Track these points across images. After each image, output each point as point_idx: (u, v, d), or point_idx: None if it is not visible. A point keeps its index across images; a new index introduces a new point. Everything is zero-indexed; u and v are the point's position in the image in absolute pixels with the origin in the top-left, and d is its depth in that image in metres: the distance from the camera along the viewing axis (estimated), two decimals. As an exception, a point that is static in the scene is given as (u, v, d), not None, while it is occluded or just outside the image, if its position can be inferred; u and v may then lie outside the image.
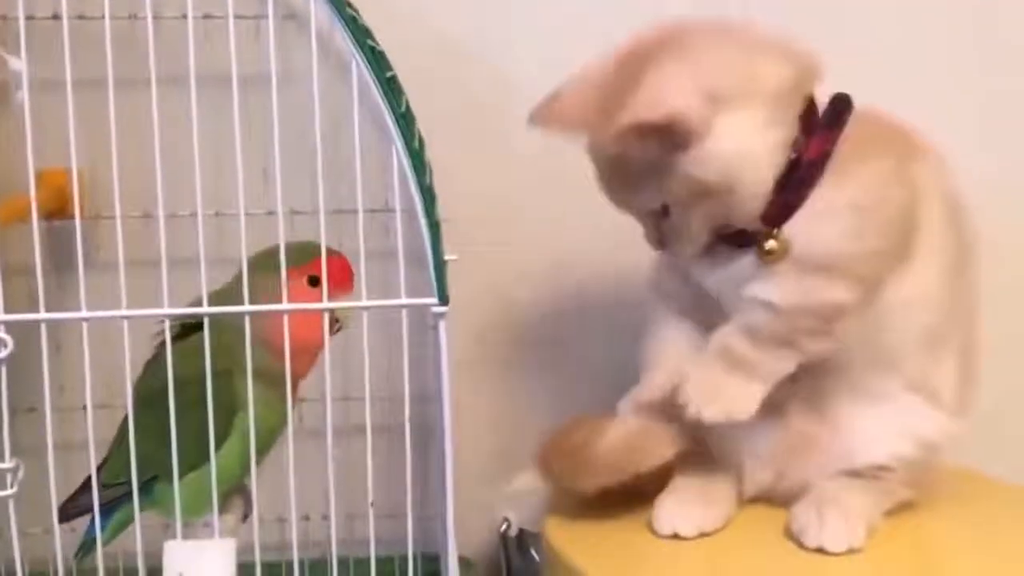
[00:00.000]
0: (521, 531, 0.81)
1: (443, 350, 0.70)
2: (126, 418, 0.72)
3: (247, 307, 0.68)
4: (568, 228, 0.94)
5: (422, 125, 0.77)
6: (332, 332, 0.72)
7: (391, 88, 0.70)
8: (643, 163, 0.69)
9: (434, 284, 0.70)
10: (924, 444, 0.75)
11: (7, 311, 0.66)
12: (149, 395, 0.70)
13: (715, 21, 0.72)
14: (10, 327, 0.65)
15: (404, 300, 0.70)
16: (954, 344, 0.76)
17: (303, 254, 0.71)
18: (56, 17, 0.79)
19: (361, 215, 0.70)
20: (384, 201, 0.83)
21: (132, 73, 0.67)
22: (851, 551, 0.72)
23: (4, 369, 0.65)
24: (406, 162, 0.70)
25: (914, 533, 0.76)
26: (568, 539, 0.76)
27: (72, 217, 0.72)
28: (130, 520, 0.73)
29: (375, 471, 0.71)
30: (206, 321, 0.69)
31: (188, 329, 0.71)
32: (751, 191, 0.69)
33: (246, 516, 0.78)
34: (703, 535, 0.75)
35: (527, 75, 0.94)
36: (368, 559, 0.72)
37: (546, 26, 0.95)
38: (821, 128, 0.70)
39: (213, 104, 0.69)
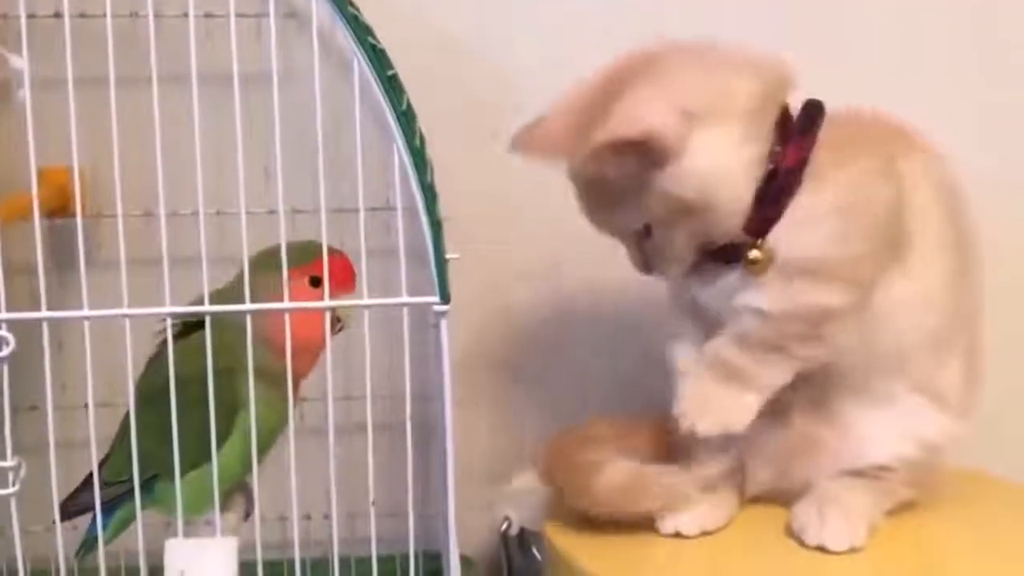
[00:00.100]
0: (522, 530, 0.81)
1: (444, 349, 0.70)
2: (127, 416, 0.72)
3: (248, 305, 0.68)
4: (569, 227, 0.94)
5: (423, 123, 0.77)
6: (334, 332, 0.72)
7: (392, 86, 0.70)
8: (622, 183, 0.70)
9: (435, 283, 0.69)
10: (928, 446, 0.75)
11: (9, 309, 0.65)
12: (150, 393, 0.70)
13: (688, 42, 0.73)
14: (12, 325, 0.65)
15: (405, 299, 0.70)
16: (959, 345, 0.76)
17: (305, 254, 0.71)
18: (58, 15, 0.79)
19: (362, 213, 0.70)
20: (385, 199, 0.83)
21: (133, 71, 0.67)
22: (852, 550, 0.72)
23: (6, 367, 0.65)
24: (407, 160, 0.69)
25: (915, 532, 0.76)
26: (569, 538, 0.76)
27: (73, 215, 0.72)
28: (131, 518, 0.73)
29: (376, 470, 0.71)
30: (207, 320, 0.69)
31: (190, 328, 0.71)
32: (730, 206, 0.69)
33: (248, 515, 0.78)
34: (705, 534, 0.75)
35: (528, 73, 0.94)
36: (369, 558, 0.72)
37: (547, 24, 0.95)
38: (795, 136, 0.70)
39: (214, 102, 0.69)
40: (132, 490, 0.68)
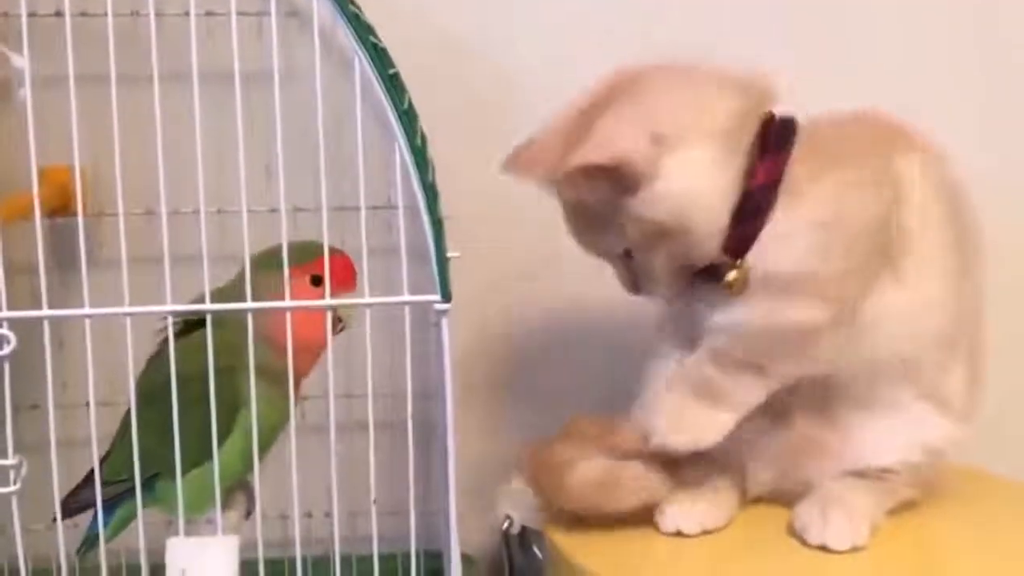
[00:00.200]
0: (523, 528, 0.81)
1: (445, 347, 0.70)
2: (126, 415, 0.72)
3: (250, 304, 0.68)
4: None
5: (424, 122, 0.77)
6: (335, 332, 0.73)
7: (394, 85, 0.70)
8: (600, 207, 0.70)
9: (437, 281, 0.69)
10: (932, 451, 0.75)
11: (10, 308, 0.66)
12: (151, 391, 0.70)
13: (669, 62, 0.72)
14: (13, 324, 0.65)
15: (407, 297, 0.70)
16: (962, 348, 0.76)
17: (306, 253, 0.71)
18: (59, 14, 0.79)
19: (363, 212, 0.70)
20: (387, 198, 0.83)
21: (135, 70, 0.67)
22: (854, 549, 0.71)
23: (7, 366, 0.65)
24: (409, 159, 0.69)
25: (917, 531, 0.76)
26: (570, 536, 0.76)
27: (75, 214, 0.72)
28: (132, 517, 0.73)
29: (378, 468, 0.71)
30: (208, 318, 0.69)
31: (191, 326, 0.71)
32: (706, 228, 0.69)
33: (249, 513, 0.78)
34: (706, 532, 0.75)
35: (529, 72, 0.94)
36: (371, 556, 0.72)
37: (548, 23, 0.95)
38: (768, 154, 0.70)
39: (215, 101, 0.69)
40: (132, 489, 0.68)
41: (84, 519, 0.75)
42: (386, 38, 0.75)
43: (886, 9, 0.97)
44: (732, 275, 0.70)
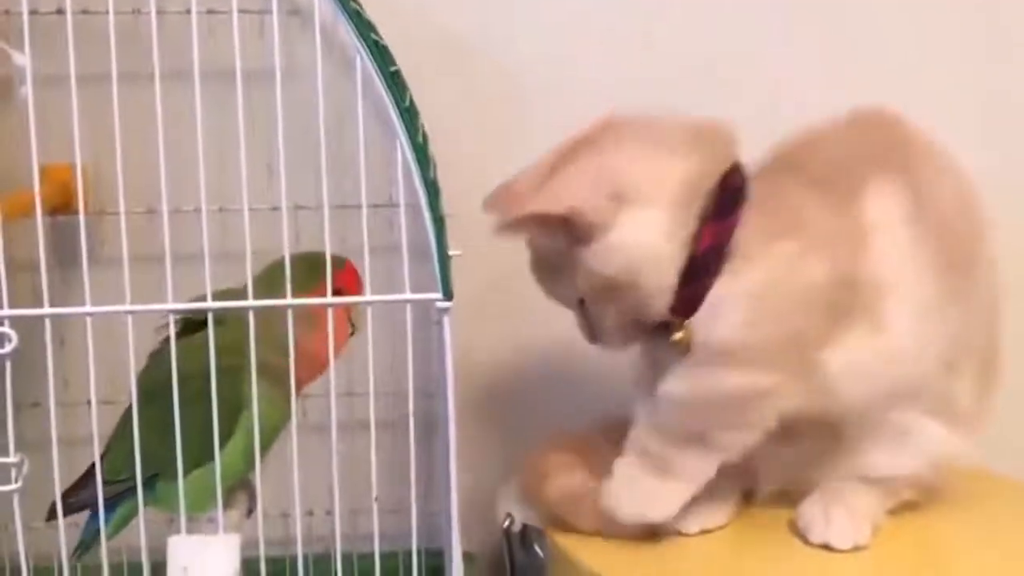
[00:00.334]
0: (524, 526, 0.81)
1: (447, 345, 0.70)
2: (125, 413, 0.72)
3: (251, 302, 0.68)
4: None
5: (426, 120, 0.77)
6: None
7: (395, 83, 0.70)
8: (557, 255, 0.72)
9: (438, 279, 0.69)
10: (940, 462, 0.75)
11: (11, 306, 0.66)
12: (152, 391, 0.70)
13: (640, 117, 0.73)
14: (14, 322, 0.65)
15: (408, 295, 0.70)
16: (970, 364, 0.75)
17: (313, 271, 0.70)
18: (60, 12, 0.79)
19: (365, 210, 0.70)
20: (388, 196, 0.83)
21: (136, 68, 0.67)
22: (856, 548, 0.71)
23: (8, 364, 0.65)
24: (410, 157, 0.69)
25: (919, 531, 0.76)
26: (572, 534, 0.76)
27: (76, 212, 0.72)
28: (131, 517, 0.73)
29: (379, 466, 0.71)
30: (210, 317, 0.68)
31: (194, 327, 0.71)
32: (654, 286, 0.70)
33: (250, 511, 0.78)
34: (705, 532, 0.75)
35: (531, 70, 0.94)
36: (372, 554, 0.72)
37: (549, 22, 0.95)
38: (715, 219, 0.70)
39: (217, 99, 0.69)
40: (131, 488, 0.68)
41: (83, 518, 0.75)
42: (387, 35, 0.75)
43: (887, 8, 0.97)
44: (678, 335, 0.71)
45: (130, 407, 0.69)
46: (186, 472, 0.69)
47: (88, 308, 0.67)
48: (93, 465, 0.71)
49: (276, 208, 0.72)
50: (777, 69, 0.96)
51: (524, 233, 0.73)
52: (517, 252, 0.92)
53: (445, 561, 0.75)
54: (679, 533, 0.74)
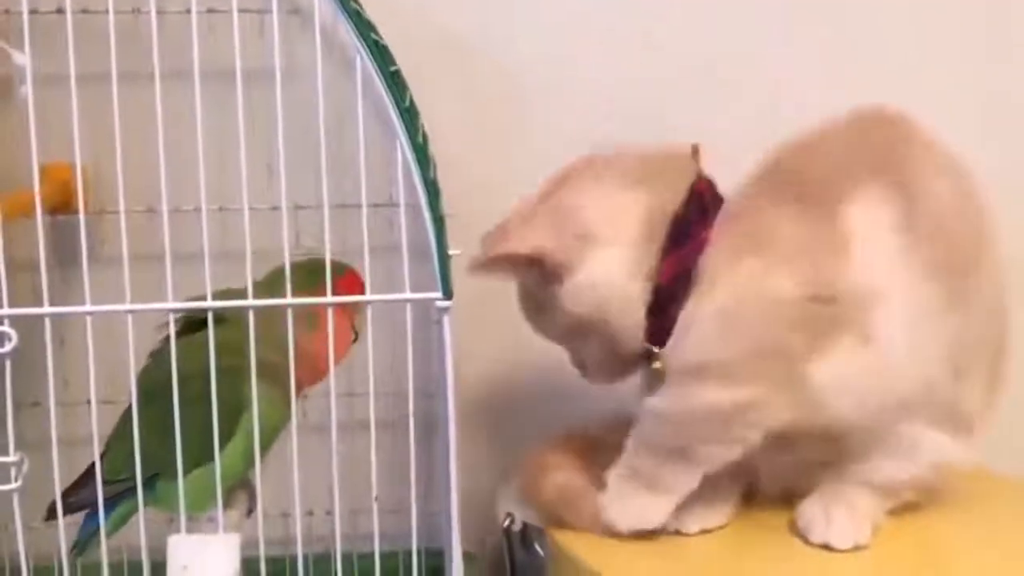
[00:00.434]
0: (525, 526, 0.81)
1: (447, 345, 0.70)
2: (125, 413, 0.72)
3: (251, 301, 0.68)
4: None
5: (426, 119, 0.77)
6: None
7: (395, 82, 0.70)
8: (540, 294, 0.75)
9: (438, 279, 0.69)
10: (944, 468, 0.74)
11: (11, 305, 0.66)
12: (152, 390, 0.70)
13: (613, 153, 0.76)
14: (14, 321, 0.65)
15: (408, 295, 0.70)
16: (977, 368, 0.74)
17: (313, 276, 0.71)
18: (60, 11, 0.79)
19: (365, 210, 0.70)
20: (388, 196, 0.83)
21: (136, 68, 0.67)
22: (857, 548, 0.71)
23: (8, 363, 0.65)
24: (410, 156, 0.69)
25: (919, 530, 0.76)
26: (572, 534, 0.75)
27: (76, 212, 0.72)
28: (129, 515, 0.73)
29: (379, 466, 0.71)
30: (210, 316, 0.68)
31: (195, 326, 0.71)
32: (625, 321, 0.72)
33: (250, 511, 0.78)
34: (705, 532, 0.75)
35: (531, 70, 0.94)
36: (372, 554, 0.72)
37: (549, 21, 0.95)
38: (672, 250, 0.72)
39: (217, 99, 0.69)
40: (131, 488, 0.68)
41: (83, 517, 0.75)
42: (387, 35, 0.75)
43: (887, 8, 0.97)
44: (657, 364, 0.72)
45: (130, 407, 0.69)
46: (186, 472, 0.69)
47: (88, 307, 0.67)
48: (93, 464, 0.71)
49: (276, 208, 0.72)
50: (777, 69, 0.96)
51: (497, 273, 0.75)
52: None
53: (445, 561, 0.75)
54: (679, 533, 0.74)
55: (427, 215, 0.70)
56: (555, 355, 0.97)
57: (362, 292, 0.72)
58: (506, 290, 0.92)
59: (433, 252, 0.70)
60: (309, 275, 0.71)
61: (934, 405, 0.72)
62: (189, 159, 0.67)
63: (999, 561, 0.72)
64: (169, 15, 0.77)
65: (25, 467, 0.67)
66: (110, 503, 0.72)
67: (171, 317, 0.70)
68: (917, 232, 0.70)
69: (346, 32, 0.69)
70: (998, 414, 0.76)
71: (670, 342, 0.71)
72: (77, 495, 0.73)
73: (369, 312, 0.70)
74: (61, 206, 0.83)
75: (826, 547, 0.72)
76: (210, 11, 0.79)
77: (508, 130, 0.94)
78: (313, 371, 0.73)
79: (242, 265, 0.69)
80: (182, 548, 0.69)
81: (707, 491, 0.76)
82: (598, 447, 0.79)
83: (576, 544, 0.74)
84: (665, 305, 0.71)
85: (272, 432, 0.72)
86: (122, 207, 0.67)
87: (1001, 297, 0.75)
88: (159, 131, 0.66)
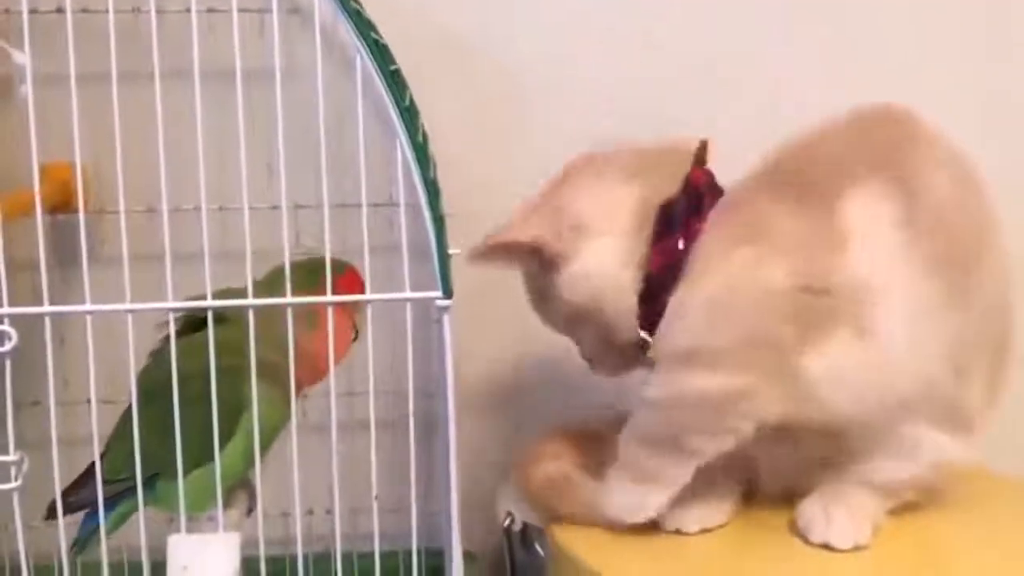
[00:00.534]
0: (525, 525, 0.81)
1: (447, 344, 0.70)
2: (125, 413, 0.72)
3: (251, 300, 0.68)
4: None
5: (426, 119, 0.77)
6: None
7: (395, 82, 0.70)
8: (544, 286, 0.76)
9: (438, 278, 0.70)
10: (945, 467, 0.74)
11: (11, 304, 0.66)
12: (152, 390, 0.70)
13: (613, 149, 0.77)
14: (14, 320, 0.65)
15: (408, 294, 0.70)
16: (979, 366, 0.73)
17: (313, 275, 0.71)
18: (60, 11, 0.79)
19: (365, 209, 0.70)
20: (388, 195, 0.83)
21: (136, 67, 0.67)
22: (857, 548, 0.71)
23: (8, 362, 0.65)
24: (410, 156, 0.69)
25: (919, 530, 0.76)
26: (572, 533, 0.75)
27: (76, 211, 0.72)
28: (128, 515, 0.73)
29: (379, 466, 0.71)
30: (210, 315, 0.69)
31: (195, 325, 0.71)
32: (617, 309, 0.74)
33: (250, 511, 0.78)
34: (705, 531, 0.75)
35: (531, 69, 0.94)
36: (372, 553, 0.72)
37: (549, 21, 0.95)
38: (661, 240, 0.72)
39: (217, 98, 0.69)
40: (131, 488, 0.68)
41: (81, 517, 0.74)
42: (387, 35, 0.75)
43: (887, 8, 0.97)
44: (652, 352, 0.73)
45: (130, 406, 0.69)
46: (186, 472, 0.69)
47: (88, 307, 0.67)
48: (93, 464, 0.71)
49: (276, 207, 0.72)
50: (777, 69, 0.96)
51: (496, 262, 0.76)
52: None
53: (445, 560, 0.75)
54: (679, 532, 0.74)
55: (427, 214, 0.70)
56: (555, 355, 0.97)
57: (363, 290, 0.72)
58: (506, 290, 0.93)
59: (433, 251, 0.70)
60: (309, 274, 0.71)
61: (934, 403, 0.72)
62: (189, 159, 0.67)
63: (999, 561, 0.72)
64: (169, 14, 0.77)
65: (25, 466, 0.67)
66: (110, 503, 0.72)
67: (171, 317, 0.70)
68: (918, 228, 0.70)
69: (346, 31, 0.69)
70: (999, 413, 0.76)
71: (659, 328, 0.72)
72: (77, 494, 0.73)
73: (369, 311, 0.70)
74: (61, 205, 0.83)
75: (826, 547, 0.72)
76: (210, 10, 0.79)
77: (508, 130, 0.94)
78: (313, 370, 0.73)
79: (242, 265, 0.69)
80: (182, 548, 0.69)
81: (707, 490, 0.76)
82: (593, 440, 0.79)
83: (576, 544, 0.74)
84: (656, 293, 0.72)
85: (272, 432, 0.73)
86: (122, 206, 0.67)
87: (1004, 294, 0.75)
88: (159, 131, 0.67)
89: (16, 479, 0.66)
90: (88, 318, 0.67)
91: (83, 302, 0.67)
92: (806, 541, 0.73)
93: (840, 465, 0.74)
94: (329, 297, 0.70)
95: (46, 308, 0.66)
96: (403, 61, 0.75)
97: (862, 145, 0.73)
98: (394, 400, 0.79)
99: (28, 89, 0.66)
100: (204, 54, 0.67)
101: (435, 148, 0.77)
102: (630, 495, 0.72)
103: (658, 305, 0.72)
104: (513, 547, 0.84)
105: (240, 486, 0.77)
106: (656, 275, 0.72)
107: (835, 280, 0.69)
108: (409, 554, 0.74)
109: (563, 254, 0.74)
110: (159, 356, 0.74)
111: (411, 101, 0.74)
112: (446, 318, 0.70)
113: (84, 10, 0.77)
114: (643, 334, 0.73)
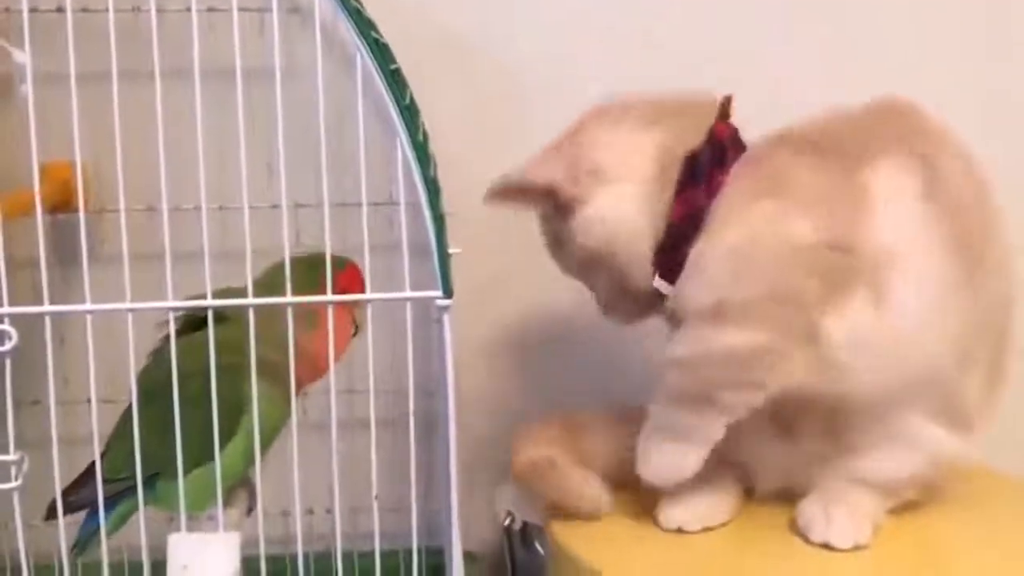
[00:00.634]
0: (525, 524, 0.81)
1: (447, 343, 0.70)
2: (125, 412, 0.72)
3: (251, 300, 0.68)
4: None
5: (426, 118, 0.77)
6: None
7: (395, 80, 0.70)
8: (559, 230, 0.77)
9: (438, 277, 0.69)
10: (943, 464, 0.74)
11: (11, 303, 0.66)
12: (152, 390, 0.70)
13: (632, 97, 0.77)
14: (15, 320, 0.65)
15: (408, 293, 0.70)
16: (981, 356, 0.73)
17: (313, 271, 0.70)
18: (60, 10, 0.79)
19: (365, 208, 0.70)
20: (388, 194, 0.83)
21: (136, 66, 0.67)
22: (857, 547, 0.71)
23: (8, 362, 0.65)
24: (410, 155, 0.69)
25: (919, 529, 0.76)
26: (572, 532, 0.76)
27: (76, 210, 0.72)
28: (129, 515, 0.73)
29: (379, 465, 0.71)
30: (210, 315, 0.68)
31: (195, 325, 0.71)
32: (632, 255, 0.74)
33: (250, 510, 0.78)
34: (707, 530, 0.75)
35: (531, 68, 0.95)
36: (372, 552, 0.72)
37: (549, 20, 0.95)
38: (685, 189, 0.72)
39: (217, 97, 0.69)
40: (131, 487, 0.68)
41: (83, 516, 0.74)
42: (387, 34, 0.75)
43: (887, 7, 0.97)
44: (670, 303, 0.73)
45: (130, 406, 0.69)
46: (186, 471, 0.69)
47: (88, 306, 0.67)
48: (93, 463, 0.71)
49: (276, 206, 0.72)
50: (777, 68, 0.96)
51: (510, 204, 0.76)
52: (517, 251, 0.92)
53: (445, 559, 0.75)
54: (681, 530, 0.74)
55: (427, 213, 0.70)
56: (556, 354, 0.98)
57: (363, 285, 0.72)
58: (506, 290, 0.93)
59: (433, 250, 0.70)
60: (309, 270, 0.71)
61: (935, 392, 0.72)
62: (189, 158, 0.67)
63: (999, 561, 0.72)
64: (169, 13, 0.77)
65: (25, 466, 0.67)
66: (110, 502, 0.72)
67: (171, 316, 0.70)
68: (939, 206, 0.70)
69: (346, 30, 0.69)
70: (998, 412, 0.76)
71: (680, 280, 0.71)
72: (77, 494, 0.73)
73: (369, 311, 0.70)
74: (61, 205, 0.83)
75: (826, 546, 0.72)
76: (210, 9, 0.79)
77: (508, 129, 0.94)
78: (313, 369, 0.73)
79: (242, 264, 0.69)
80: (182, 547, 0.69)
81: (708, 489, 0.76)
82: (582, 427, 0.80)
83: (576, 542, 0.74)
84: (677, 243, 0.72)
85: (272, 431, 0.72)
86: (122, 206, 0.67)
87: (1007, 290, 0.75)
88: (159, 130, 0.66)
89: (16, 479, 0.66)
90: (88, 317, 0.67)
91: (83, 301, 0.67)
92: (806, 540, 0.73)
93: (838, 462, 0.75)
94: (329, 296, 0.70)
95: (46, 307, 0.66)
96: (403, 60, 0.75)
97: (883, 126, 0.74)
98: (394, 399, 0.79)
99: (28, 88, 0.66)
100: (204, 53, 0.67)
101: (435, 147, 0.77)
102: (668, 455, 0.72)
103: (678, 255, 0.71)
104: (513, 546, 0.84)
105: (240, 485, 0.77)
106: (677, 225, 0.72)
107: (859, 239, 0.69)
108: (409, 553, 0.74)
109: (579, 198, 0.74)
110: (159, 355, 0.74)
111: (411, 100, 0.74)
112: (446, 317, 0.70)
113: (84, 9, 0.77)
114: (658, 282, 0.73)
